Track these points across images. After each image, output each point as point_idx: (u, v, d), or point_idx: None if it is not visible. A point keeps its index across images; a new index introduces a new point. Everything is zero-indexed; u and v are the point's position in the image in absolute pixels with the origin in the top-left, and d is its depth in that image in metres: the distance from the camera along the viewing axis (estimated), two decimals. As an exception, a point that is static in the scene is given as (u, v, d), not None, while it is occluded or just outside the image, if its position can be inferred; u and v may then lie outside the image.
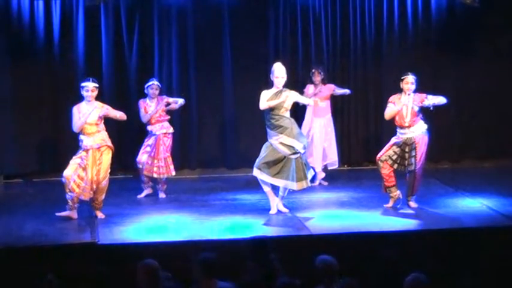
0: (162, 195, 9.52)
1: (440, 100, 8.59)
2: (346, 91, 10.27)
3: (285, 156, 8.26)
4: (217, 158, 11.16)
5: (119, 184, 9.72)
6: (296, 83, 10.50)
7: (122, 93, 10.64)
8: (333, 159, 10.29)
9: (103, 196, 8.43)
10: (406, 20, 11.32)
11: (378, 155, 8.65)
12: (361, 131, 11.41)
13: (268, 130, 8.40)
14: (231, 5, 10.93)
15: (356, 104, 11.38)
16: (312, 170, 8.66)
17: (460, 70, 11.43)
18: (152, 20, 10.78)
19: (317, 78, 10.09)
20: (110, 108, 8.49)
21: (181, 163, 10.94)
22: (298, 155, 8.29)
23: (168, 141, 9.47)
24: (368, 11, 11.26)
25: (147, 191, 9.54)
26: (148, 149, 9.40)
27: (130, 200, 9.41)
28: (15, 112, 10.52)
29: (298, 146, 8.28)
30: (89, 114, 8.26)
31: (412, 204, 8.68)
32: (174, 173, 9.54)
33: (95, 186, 8.30)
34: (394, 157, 8.56)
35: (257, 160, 8.39)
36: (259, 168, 8.32)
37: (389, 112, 8.59)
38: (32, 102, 10.53)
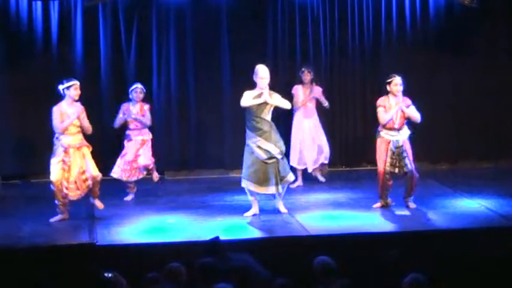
0: (155, 178, 9.60)
1: (417, 117, 8.57)
2: (326, 104, 10.24)
3: (263, 162, 8.27)
4: (216, 158, 11.15)
5: (117, 185, 9.70)
6: (294, 82, 10.50)
7: (120, 93, 10.61)
8: (327, 153, 10.29)
9: (98, 185, 8.40)
10: (404, 21, 11.32)
11: (381, 168, 8.57)
12: (358, 131, 11.42)
13: (247, 131, 8.43)
14: (229, 5, 10.93)
15: (354, 104, 11.39)
16: (291, 174, 8.64)
17: (458, 71, 11.43)
18: (151, 20, 10.78)
19: (307, 77, 10.13)
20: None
21: (179, 164, 10.96)
22: (275, 159, 8.30)
23: (146, 148, 9.44)
24: (366, 11, 11.26)
25: (131, 195, 9.54)
26: (125, 152, 9.42)
27: (129, 201, 9.41)
28: (13, 113, 10.53)
29: (275, 151, 8.30)
30: (78, 113, 8.24)
31: (411, 204, 8.69)
32: (140, 177, 9.49)
33: (90, 182, 8.28)
34: (395, 162, 8.58)
35: (243, 171, 8.39)
36: (248, 179, 8.33)
37: (389, 115, 8.54)
38: (30, 103, 10.53)
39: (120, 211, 8.80)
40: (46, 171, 10.42)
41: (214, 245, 6.01)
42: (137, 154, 9.38)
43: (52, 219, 8.30)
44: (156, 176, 9.64)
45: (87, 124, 8.41)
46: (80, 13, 10.52)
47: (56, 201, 8.28)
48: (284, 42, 11.11)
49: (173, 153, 10.75)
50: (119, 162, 9.38)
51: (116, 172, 9.37)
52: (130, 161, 9.36)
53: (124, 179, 9.38)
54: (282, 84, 10.31)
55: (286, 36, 11.12)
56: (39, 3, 10.40)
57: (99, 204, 8.43)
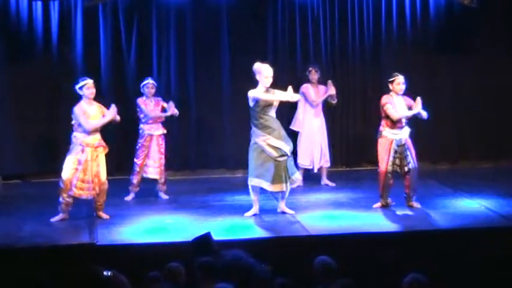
0: (163, 196, 9.53)
1: (425, 114, 8.59)
2: (335, 101, 10.22)
3: (274, 159, 8.27)
4: (217, 158, 11.15)
5: (117, 185, 9.70)
6: (294, 82, 10.49)
7: (121, 93, 10.63)
8: (327, 156, 10.30)
9: (104, 197, 8.41)
10: (404, 20, 11.33)
11: (382, 168, 8.58)
12: (359, 131, 11.42)
13: (255, 129, 8.37)
14: (229, 4, 10.94)
15: (354, 104, 11.40)
16: (298, 173, 8.66)
17: (458, 71, 11.44)
18: (151, 20, 10.79)
19: (314, 76, 10.13)
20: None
21: (180, 164, 10.96)
22: (285, 157, 8.30)
23: (163, 142, 9.47)
24: (366, 11, 11.28)
25: (132, 195, 9.53)
26: (146, 150, 9.40)
27: (129, 201, 9.41)
28: (13, 113, 10.53)
29: (286, 149, 8.29)
30: (115, 112, 8.25)
31: (416, 204, 8.68)
32: (164, 174, 9.53)
33: (97, 188, 8.28)
34: (397, 161, 8.59)
35: (252, 169, 8.35)
36: (261, 178, 8.29)
37: (402, 114, 8.52)
38: (31, 103, 10.54)
39: (121, 211, 8.80)
40: (46, 171, 10.50)
41: (206, 241, 5.99)
42: (161, 150, 9.41)
43: (52, 219, 8.29)
44: (164, 196, 9.60)
45: (118, 117, 8.44)
46: (80, 13, 10.53)
47: (61, 199, 8.25)
48: (284, 42, 11.11)
49: (174, 153, 10.73)
50: (152, 162, 9.37)
51: (152, 172, 9.40)
52: (159, 158, 9.40)
53: (167, 177, 9.45)
54: (282, 84, 10.29)
55: (287, 36, 11.12)
56: (39, 3, 10.40)
57: (105, 216, 8.41)
